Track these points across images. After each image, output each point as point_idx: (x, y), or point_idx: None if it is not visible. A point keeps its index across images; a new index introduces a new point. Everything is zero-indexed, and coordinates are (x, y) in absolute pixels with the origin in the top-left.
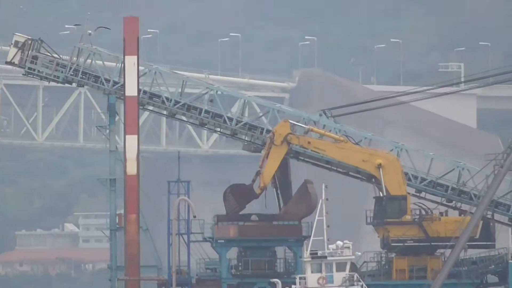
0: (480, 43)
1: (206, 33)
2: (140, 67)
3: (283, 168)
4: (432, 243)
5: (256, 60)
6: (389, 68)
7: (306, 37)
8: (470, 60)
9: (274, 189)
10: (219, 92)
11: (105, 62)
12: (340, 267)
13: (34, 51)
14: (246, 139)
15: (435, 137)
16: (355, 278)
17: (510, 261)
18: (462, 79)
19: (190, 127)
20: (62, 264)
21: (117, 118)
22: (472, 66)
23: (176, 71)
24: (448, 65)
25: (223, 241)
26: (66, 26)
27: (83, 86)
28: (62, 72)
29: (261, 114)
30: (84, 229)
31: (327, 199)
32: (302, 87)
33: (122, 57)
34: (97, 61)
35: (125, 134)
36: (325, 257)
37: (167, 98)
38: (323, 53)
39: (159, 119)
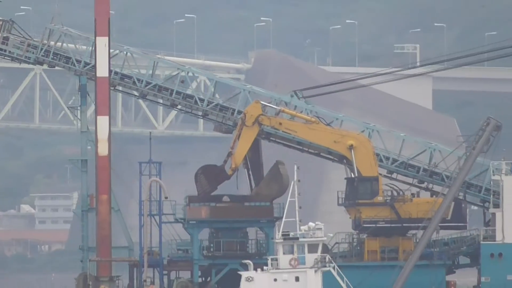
0: (435, 24)
1: (161, 15)
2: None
3: (255, 149)
4: (403, 224)
5: (211, 41)
6: (344, 49)
7: (261, 18)
8: (425, 41)
9: (246, 170)
10: (190, 74)
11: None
12: (312, 248)
13: (5, 32)
14: (217, 120)
15: (391, 119)
16: (327, 259)
17: (482, 242)
18: (418, 60)
19: (145, 108)
20: (18, 245)
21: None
22: (428, 47)
23: (146, 53)
24: (403, 46)
25: (194, 222)
26: (22, 7)
27: (54, 67)
28: (33, 53)
29: (232, 95)
30: (40, 210)
31: (299, 181)
32: (257, 68)
33: (93, 38)
34: (69, 44)
35: (96, 115)
36: (297, 238)
37: (138, 79)
38: (278, 34)
39: (114, 100)
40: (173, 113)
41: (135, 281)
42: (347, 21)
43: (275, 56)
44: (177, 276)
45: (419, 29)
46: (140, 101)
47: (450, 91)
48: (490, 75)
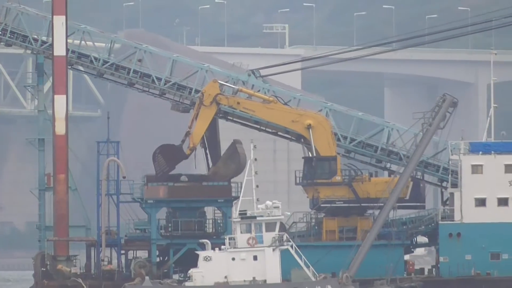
0: (304, 4)
1: None
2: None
3: (212, 128)
4: (361, 204)
5: (81, 20)
6: (213, 29)
7: None
8: (294, 21)
9: (203, 149)
10: (147, 52)
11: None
12: (270, 227)
13: None
14: (174, 99)
15: None
16: (284, 238)
17: (440, 222)
18: (287, 40)
19: (15, 87)
20: None
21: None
22: (297, 27)
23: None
24: (272, 26)
25: (152, 201)
26: None
27: (11, 45)
28: None
29: (190, 74)
30: None
31: (255, 159)
32: (126, 48)
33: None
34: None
35: (53, 94)
36: (255, 217)
37: (95, 58)
38: (147, 14)
39: None
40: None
41: (92, 260)
42: (216, 0)
43: (144, 36)
44: (135, 255)
45: (288, 9)
46: (10, 81)
47: (318, 71)
48: (359, 54)
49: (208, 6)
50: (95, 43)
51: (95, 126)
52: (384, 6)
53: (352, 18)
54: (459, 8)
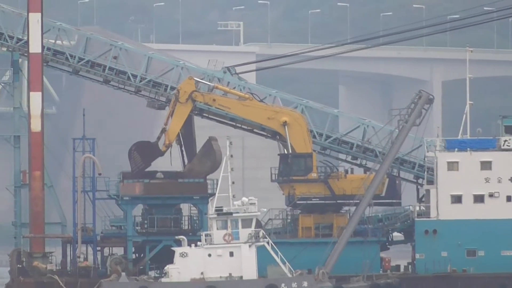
0: (259, 1)
1: None
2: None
3: (187, 125)
4: (337, 201)
5: None
6: (168, 26)
7: None
8: (249, 19)
9: (178, 146)
10: (123, 49)
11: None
12: (246, 223)
13: None
14: (150, 96)
15: None
16: (260, 234)
17: (416, 219)
18: (241, 38)
19: None
20: None
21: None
22: (251, 24)
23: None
24: (227, 23)
25: (128, 198)
26: None
27: None
28: None
29: (165, 71)
30: None
31: (231, 156)
32: (81, 45)
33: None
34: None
35: (29, 91)
36: (231, 213)
37: (70, 55)
38: (102, 11)
39: None
40: None
41: (68, 257)
42: None
43: (99, 34)
44: (111, 252)
45: (242, 6)
46: None
47: (273, 68)
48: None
49: (162, 3)
50: (70, 41)
51: (49, 124)
52: (338, 3)
53: (307, 15)
54: (414, 5)
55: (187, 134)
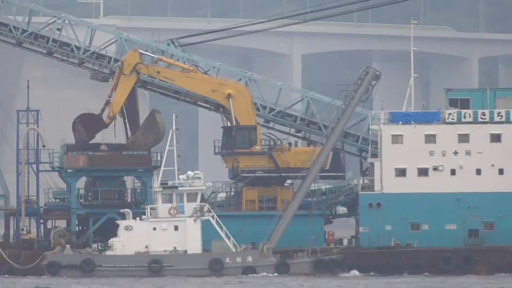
0: None
1: None
2: None
3: (131, 97)
4: (282, 174)
5: None
6: None
7: None
8: None
9: (122, 119)
10: (66, 21)
11: None
12: (191, 197)
13: None
14: (93, 68)
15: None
16: (205, 208)
17: (360, 192)
18: (101, 10)
19: None
20: None
21: None
22: None
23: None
24: None
25: (72, 170)
26: None
27: None
28: None
29: (109, 43)
30: None
31: (177, 129)
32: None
33: None
34: None
35: None
36: (176, 187)
37: (14, 27)
38: None
39: None
40: None
41: (11, 229)
42: None
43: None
44: (54, 225)
45: None
46: None
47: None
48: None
49: None
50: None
51: None
52: None
53: None
54: None
55: (130, 106)
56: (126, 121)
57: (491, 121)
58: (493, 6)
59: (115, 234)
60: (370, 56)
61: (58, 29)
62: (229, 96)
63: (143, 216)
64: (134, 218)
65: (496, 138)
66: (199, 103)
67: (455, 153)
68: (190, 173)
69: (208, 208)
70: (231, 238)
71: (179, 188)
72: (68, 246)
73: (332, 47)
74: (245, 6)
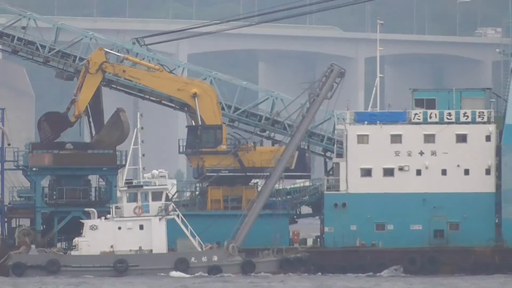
0: None
1: None
2: None
3: (95, 96)
4: (247, 173)
5: None
6: None
7: None
8: None
9: (86, 117)
10: (31, 19)
11: None
12: (156, 196)
13: None
14: (59, 66)
15: None
16: (170, 207)
17: (325, 192)
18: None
19: None
20: None
21: None
22: None
23: None
24: None
25: (37, 169)
26: None
27: None
28: None
29: (75, 41)
30: None
31: (142, 128)
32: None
33: None
34: None
35: None
36: (141, 186)
37: None
38: None
39: None
40: None
41: None
42: None
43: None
44: (19, 223)
45: None
46: None
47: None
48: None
49: None
50: None
51: None
52: None
53: None
54: None
55: (95, 105)
56: (91, 119)
57: (457, 122)
58: (379, 6)
59: (79, 233)
60: (256, 56)
61: (23, 28)
62: (194, 95)
63: (108, 215)
64: (99, 217)
65: (462, 138)
66: (164, 102)
67: (421, 153)
68: (155, 171)
69: (173, 207)
70: (197, 237)
71: (144, 187)
72: (33, 246)
73: (218, 47)
74: (131, 5)
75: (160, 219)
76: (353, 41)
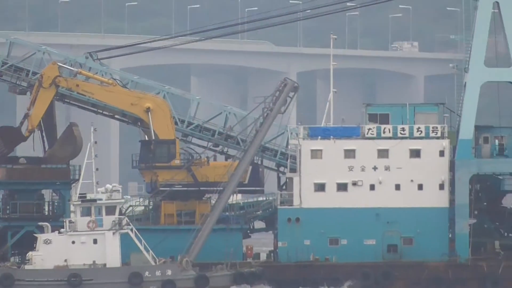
0: None
1: None
2: None
3: (48, 110)
4: (200, 188)
5: None
6: None
7: None
8: None
9: (39, 132)
10: None
11: None
12: (110, 210)
13: None
14: (12, 81)
15: None
16: (124, 222)
17: (279, 207)
18: None
19: None
20: None
21: None
22: None
23: None
24: None
25: None
26: None
27: None
28: None
29: (27, 56)
30: None
31: (96, 142)
32: None
33: None
34: None
35: None
36: (95, 200)
37: None
38: None
39: None
40: None
41: None
42: None
43: None
44: None
45: None
46: None
47: None
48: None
49: None
50: None
51: None
52: None
53: None
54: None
55: (48, 119)
56: (44, 134)
57: (411, 137)
58: (311, 21)
59: (33, 247)
60: (188, 70)
61: None
62: (148, 109)
63: (62, 230)
64: (52, 231)
65: (415, 153)
66: (116, 116)
67: (375, 168)
68: (108, 186)
69: (126, 221)
70: (150, 251)
71: (98, 201)
72: None
73: (151, 61)
74: (63, 20)
75: (113, 233)
76: (285, 56)
